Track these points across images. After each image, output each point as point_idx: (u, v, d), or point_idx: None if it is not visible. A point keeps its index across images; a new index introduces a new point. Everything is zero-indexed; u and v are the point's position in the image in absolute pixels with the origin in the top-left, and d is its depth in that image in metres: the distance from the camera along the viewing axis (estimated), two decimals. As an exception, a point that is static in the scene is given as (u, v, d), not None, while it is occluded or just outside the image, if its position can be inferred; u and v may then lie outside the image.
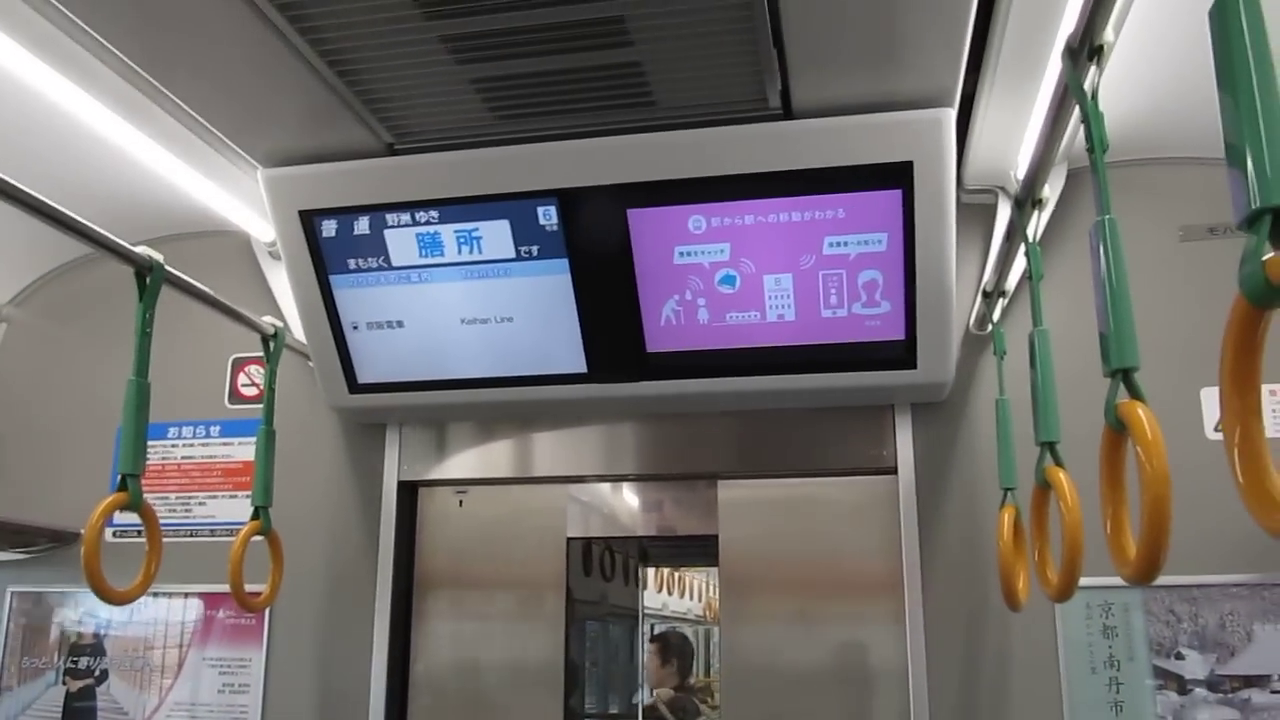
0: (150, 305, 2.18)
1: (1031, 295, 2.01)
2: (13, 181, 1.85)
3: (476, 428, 3.15)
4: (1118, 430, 1.36)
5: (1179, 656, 2.60)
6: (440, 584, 3.18)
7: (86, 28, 2.00)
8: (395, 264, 2.68)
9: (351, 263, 2.71)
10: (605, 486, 3.24)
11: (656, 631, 5.48)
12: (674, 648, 4.72)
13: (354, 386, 2.92)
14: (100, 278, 3.46)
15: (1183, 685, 2.58)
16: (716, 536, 3.01)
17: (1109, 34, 1.43)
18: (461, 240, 2.61)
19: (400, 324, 2.79)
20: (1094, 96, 1.48)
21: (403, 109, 2.32)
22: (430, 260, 2.66)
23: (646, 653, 4.66)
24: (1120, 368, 1.36)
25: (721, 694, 2.92)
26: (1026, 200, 2.03)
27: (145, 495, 2.13)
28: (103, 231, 2.09)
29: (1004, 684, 2.67)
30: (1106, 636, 2.63)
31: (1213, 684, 2.57)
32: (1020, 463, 2.32)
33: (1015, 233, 2.23)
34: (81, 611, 3.27)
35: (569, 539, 3.14)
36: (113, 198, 3.01)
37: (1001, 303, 2.67)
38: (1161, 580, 2.57)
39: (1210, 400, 2.65)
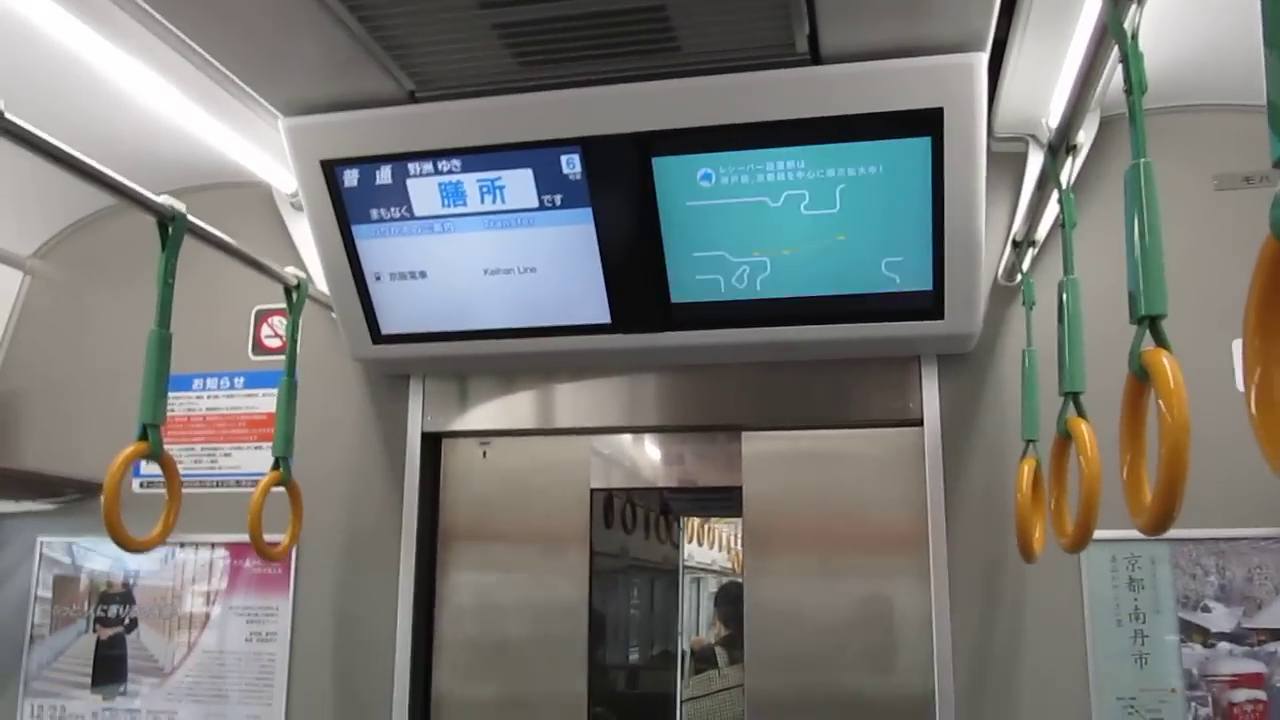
0: (172, 255, 2.18)
1: (1064, 243, 1.97)
2: (36, 131, 1.83)
3: (500, 379, 3.15)
4: (1141, 379, 1.35)
5: (1205, 609, 2.59)
6: (464, 535, 3.19)
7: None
8: (418, 214, 2.67)
9: (374, 213, 2.69)
10: (629, 438, 3.24)
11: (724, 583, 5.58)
12: (726, 598, 4.81)
13: (377, 337, 2.92)
14: (124, 229, 3.46)
15: (1208, 638, 2.57)
16: (740, 488, 3.00)
17: (1151, -30, 1.39)
18: (484, 189, 2.59)
19: (423, 274, 2.78)
20: (1134, 36, 1.44)
21: (425, 56, 2.29)
22: (453, 210, 2.64)
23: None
24: (1147, 315, 1.34)
25: (746, 645, 2.93)
26: (1060, 146, 2.00)
27: (170, 446, 2.14)
28: (125, 181, 2.08)
29: (1028, 636, 2.66)
30: (1132, 589, 2.62)
31: (1239, 637, 2.56)
32: (1046, 415, 2.30)
33: (1047, 180, 2.19)
34: (110, 561, 3.31)
35: (593, 490, 3.15)
36: (135, 149, 3.00)
37: (1031, 253, 2.63)
38: (1188, 533, 2.58)
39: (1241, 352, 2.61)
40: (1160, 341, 1.32)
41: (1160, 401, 1.23)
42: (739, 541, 3.03)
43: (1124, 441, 1.41)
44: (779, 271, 2.58)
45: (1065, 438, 1.84)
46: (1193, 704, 2.55)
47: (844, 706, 2.83)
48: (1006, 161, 2.75)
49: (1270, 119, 0.93)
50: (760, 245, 2.56)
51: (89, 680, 3.23)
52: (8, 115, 1.71)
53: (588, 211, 2.57)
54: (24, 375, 3.48)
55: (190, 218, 2.22)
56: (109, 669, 3.23)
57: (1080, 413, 1.80)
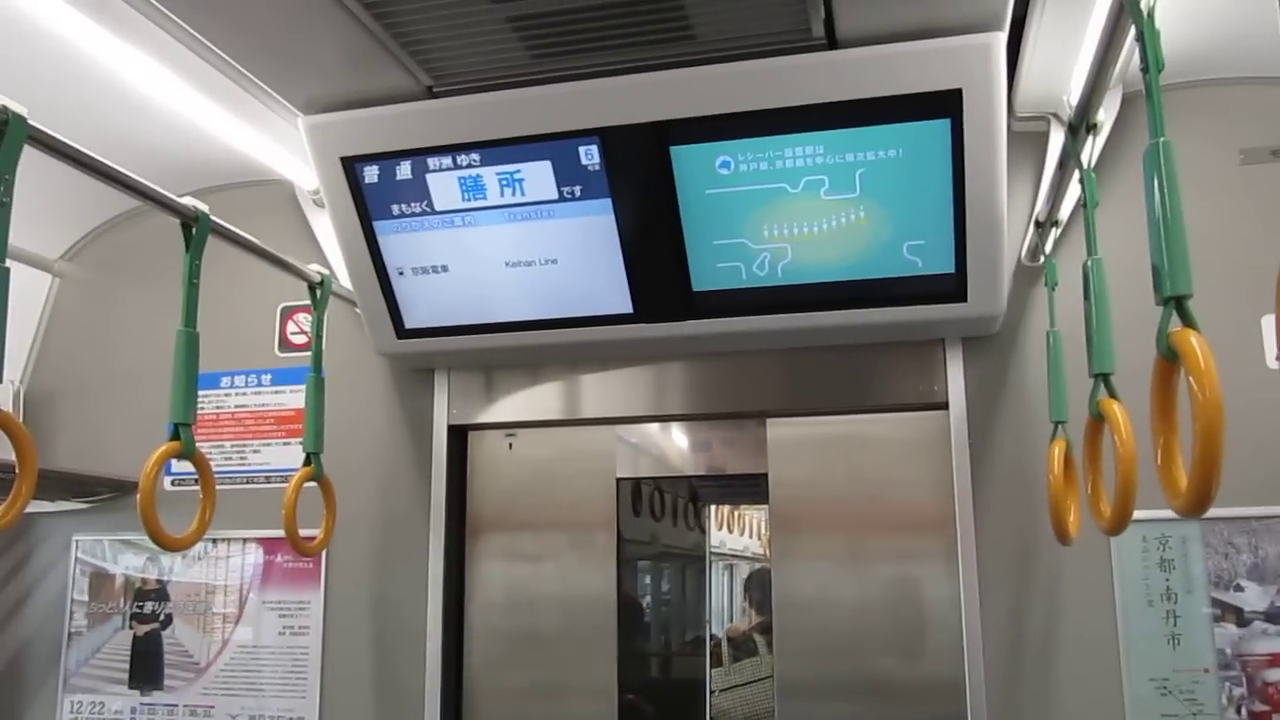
0: (197, 255, 2.20)
1: (1086, 223, 1.95)
2: (60, 137, 1.85)
3: (524, 371, 3.16)
4: (1170, 360, 1.33)
5: (1238, 589, 2.56)
6: (492, 526, 3.21)
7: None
8: (438, 208, 2.68)
9: (395, 208, 2.71)
10: (654, 427, 3.24)
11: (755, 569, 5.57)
12: (757, 585, 4.81)
13: (401, 332, 2.94)
14: (149, 230, 3.50)
15: (1241, 617, 2.55)
16: (766, 475, 3.00)
17: (1167, -53, 1.38)
18: (504, 182, 2.60)
19: (445, 268, 2.79)
20: (1150, 15, 1.42)
21: (440, 50, 2.30)
22: (473, 203, 2.65)
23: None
24: (1173, 295, 1.33)
25: (775, 630, 2.93)
26: (1080, 125, 1.97)
27: (200, 444, 2.16)
28: (148, 184, 2.11)
29: (1058, 618, 2.65)
30: (1163, 569, 2.60)
31: (1272, 615, 2.54)
32: (1072, 396, 2.29)
33: (1069, 160, 2.17)
34: (144, 558, 3.35)
35: (619, 479, 3.16)
36: (158, 151, 3.03)
37: (1054, 233, 2.61)
38: (1220, 512, 2.56)
39: (1271, 329, 2.59)
40: (1188, 322, 1.31)
41: (1192, 382, 1.22)
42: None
43: (1155, 423, 1.40)
44: (800, 257, 2.58)
45: (1098, 419, 1.83)
46: (1226, 684, 2.53)
47: (875, 691, 2.83)
48: (1028, 140, 2.73)
49: None
50: (781, 232, 2.55)
51: (126, 676, 3.29)
52: (32, 122, 1.73)
53: (607, 202, 2.58)
54: (55, 376, 3.53)
55: (213, 218, 2.24)
56: (146, 665, 3.28)
57: (1112, 393, 1.79)
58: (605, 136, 2.48)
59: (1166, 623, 2.58)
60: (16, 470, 1.72)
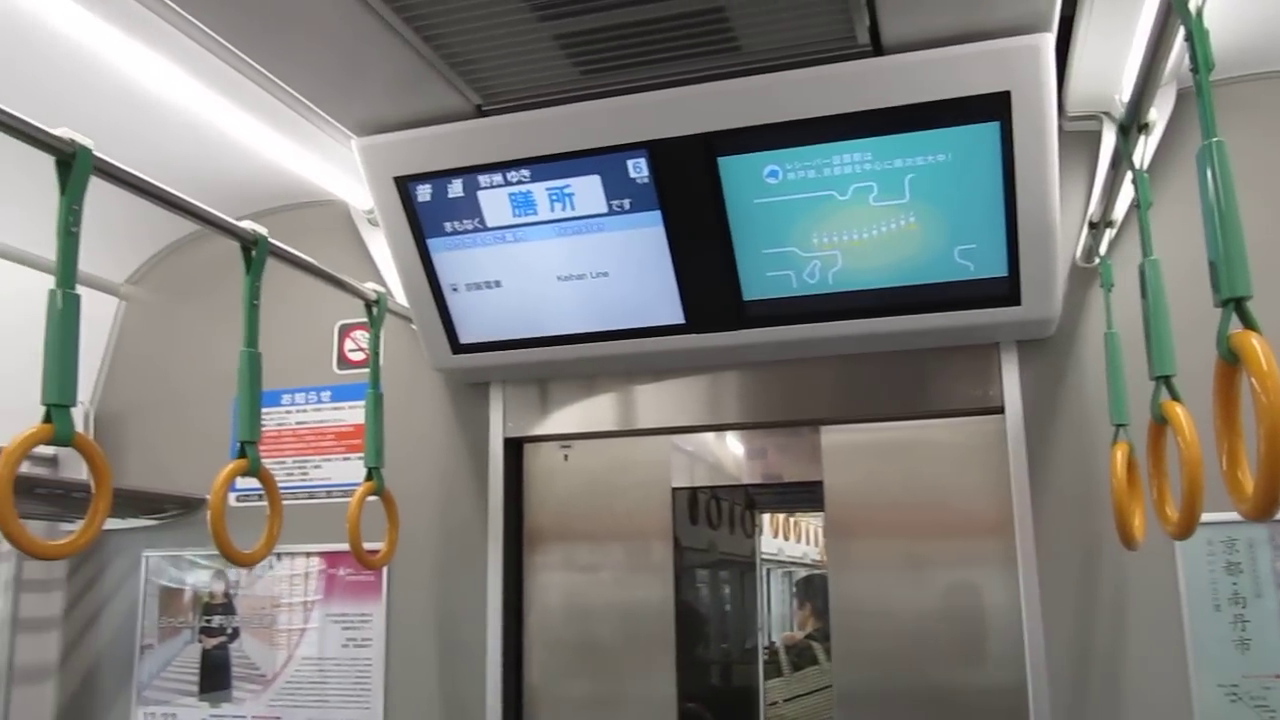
0: (256, 277, 2.25)
1: (1140, 224, 1.93)
2: (124, 167, 1.91)
3: (578, 383, 3.18)
4: (1231, 362, 1.32)
5: (1309, 591, 2.51)
6: (549, 537, 3.24)
7: (178, 8, 2.06)
8: (490, 225, 2.71)
9: (448, 225, 2.75)
10: (708, 436, 3.25)
11: (799, 577, 5.55)
12: (812, 592, 4.78)
13: (456, 347, 2.98)
14: (209, 253, 3.58)
15: (1314, 621, 2.49)
16: (822, 482, 3.00)
17: (1215, -54, 1.36)
18: (554, 197, 2.63)
19: (498, 284, 2.82)
20: (1199, 14, 1.41)
21: (489, 70, 2.34)
22: (524, 219, 2.68)
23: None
24: (1232, 297, 1.31)
25: (833, 638, 2.92)
26: (1132, 125, 1.95)
27: (263, 460, 2.20)
28: (209, 209, 2.16)
29: (1122, 623, 2.61)
30: (1230, 573, 2.55)
31: (1346, 619, 2.48)
32: (1130, 398, 2.26)
33: (1121, 160, 2.15)
34: (211, 573, 3.42)
35: (674, 489, 3.17)
36: (217, 175, 3.10)
37: (1109, 234, 2.57)
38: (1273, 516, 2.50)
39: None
40: (1248, 323, 1.30)
41: (1255, 385, 1.21)
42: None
43: (1219, 427, 1.38)
44: (851, 264, 2.57)
45: (1160, 422, 1.81)
46: (1299, 689, 2.48)
47: (936, 700, 2.80)
48: (1080, 140, 2.70)
49: None
50: (830, 239, 2.55)
51: (196, 688, 3.36)
52: (97, 154, 1.78)
53: (657, 214, 2.59)
54: (122, 397, 3.62)
55: (272, 240, 2.29)
56: (215, 677, 3.35)
57: (1174, 395, 1.77)
58: (653, 149, 2.50)
59: (1235, 627, 2.53)
60: (93, 490, 1.77)
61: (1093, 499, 2.65)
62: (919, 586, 2.86)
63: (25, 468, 1.58)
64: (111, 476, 1.79)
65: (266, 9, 2.06)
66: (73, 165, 1.74)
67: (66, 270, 1.71)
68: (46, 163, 1.74)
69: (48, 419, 1.65)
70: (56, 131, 1.73)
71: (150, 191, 2.01)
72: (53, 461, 3.42)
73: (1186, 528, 1.64)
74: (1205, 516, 1.62)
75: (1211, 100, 1.37)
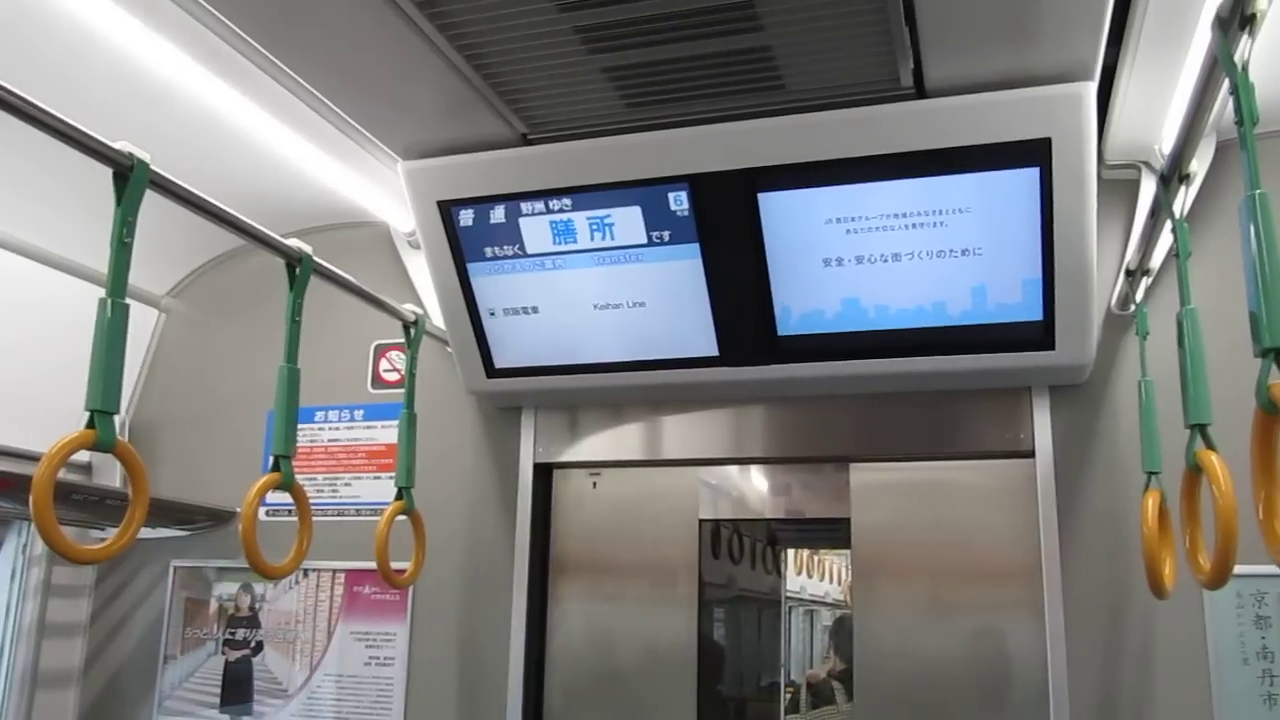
0: (300, 294, 2.28)
1: (1179, 274, 1.94)
2: (179, 182, 1.96)
3: (609, 411, 3.20)
4: (1270, 413, 1.32)
5: (1338, 649, 2.48)
6: (575, 564, 3.25)
7: (235, 28, 2.11)
8: (530, 251, 2.75)
9: (488, 251, 2.78)
10: (737, 469, 3.26)
11: (839, 615, 5.52)
12: (840, 631, 4.77)
13: (491, 371, 3.01)
14: (249, 269, 3.64)
15: (1343, 679, 2.47)
16: (849, 520, 3.00)
17: (1262, 1, 1.38)
18: (594, 227, 2.66)
19: (535, 310, 2.85)
20: (1244, 68, 1.42)
21: (537, 100, 2.38)
22: (564, 247, 2.72)
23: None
24: (1272, 347, 1.32)
25: (856, 679, 2.91)
26: (1173, 176, 1.96)
27: (295, 476, 2.23)
28: (256, 225, 2.21)
29: (1148, 674, 2.59)
30: (1259, 627, 2.53)
31: (1376, 678, 2.45)
32: (1163, 447, 2.25)
33: (1160, 209, 2.16)
34: (237, 586, 3.45)
35: (701, 521, 3.17)
36: (262, 192, 3.15)
37: (1145, 281, 2.58)
38: (1320, 569, 2.47)
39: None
40: None
41: None
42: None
43: (1257, 477, 1.38)
44: (886, 303, 2.59)
45: (1195, 470, 1.81)
46: (1326, 747, 2.45)
47: (957, 743, 2.78)
48: (1119, 188, 2.71)
49: None
50: (867, 277, 2.57)
51: (218, 700, 3.38)
52: (154, 168, 1.83)
53: (695, 247, 2.62)
54: (158, 408, 3.67)
55: (315, 258, 2.32)
56: (237, 690, 3.37)
57: (1209, 444, 1.77)
58: (695, 183, 2.53)
59: (1263, 682, 2.51)
60: (130, 497, 1.80)
61: (1121, 548, 2.63)
62: (944, 628, 2.85)
63: (60, 473, 1.61)
64: (149, 485, 1.82)
65: (321, 32, 2.11)
66: (130, 178, 1.78)
67: (118, 280, 1.75)
68: (89, 171, 1.77)
69: (90, 424, 1.68)
70: (116, 145, 1.77)
71: (203, 206, 2.06)
72: (86, 468, 3.47)
73: (1220, 578, 1.64)
74: (1236, 569, 1.62)
75: (1255, 153, 1.39)
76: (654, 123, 2.47)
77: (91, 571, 3.57)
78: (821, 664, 5.06)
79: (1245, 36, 1.42)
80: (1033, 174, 2.34)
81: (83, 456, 3.34)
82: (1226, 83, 1.47)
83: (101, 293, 1.74)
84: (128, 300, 1.76)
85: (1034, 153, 2.30)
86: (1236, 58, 1.43)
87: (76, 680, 3.51)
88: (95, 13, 2.13)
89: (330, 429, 3.46)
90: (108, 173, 1.78)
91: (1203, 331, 1.88)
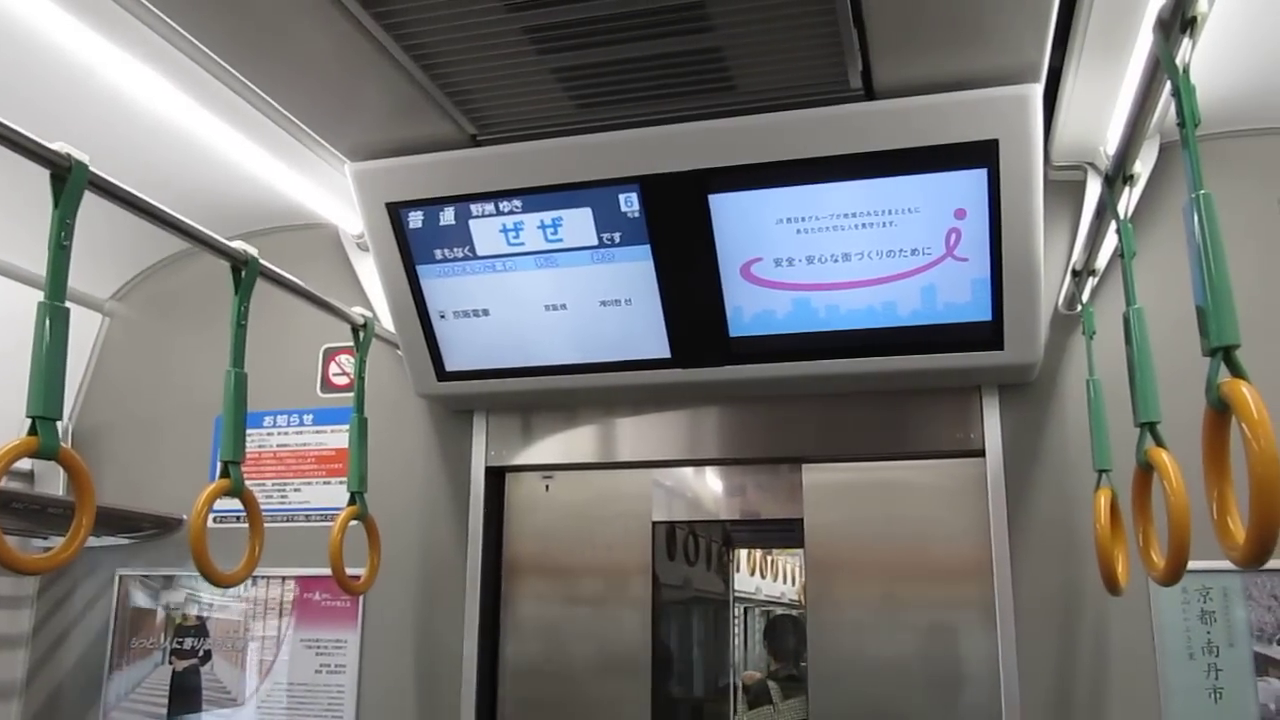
0: (246, 298, 2.25)
1: (1124, 274, 1.96)
2: (115, 181, 1.92)
3: (561, 413, 3.19)
4: (1220, 410, 1.34)
5: (1281, 642, 2.53)
6: (528, 568, 3.23)
7: (179, 28, 2.07)
8: (480, 253, 2.73)
9: (438, 253, 2.76)
10: (690, 471, 3.26)
11: (773, 616, 5.51)
12: (775, 632, 4.76)
13: (441, 374, 2.98)
14: (195, 272, 3.58)
15: (1285, 671, 2.51)
16: (802, 520, 3.00)
17: (1202, 4, 1.40)
18: (544, 229, 2.64)
19: (486, 312, 2.83)
20: (1186, 71, 1.44)
21: (486, 100, 2.35)
22: (514, 249, 2.70)
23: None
24: (1221, 345, 1.33)
25: (809, 679, 2.91)
26: (1117, 177, 1.99)
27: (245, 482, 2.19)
28: (200, 227, 2.17)
29: (1098, 669, 2.62)
30: (1205, 622, 2.57)
31: (1318, 670, 2.50)
32: (1111, 445, 2.28)
33: (1106, 210, 2.18)
34: (185, 594, 3.39)
35: (654, 523, 3.17)
36: (207, 194, 3.10)
37: (1091, 282, 2.61)
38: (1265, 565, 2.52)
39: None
40: (1237, 372, 1.32)
41: (1246, 433, 1.23)
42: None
43: (1209, 475, 1.39)
44: (836, 304, 2.60)
45: (1145, 468, 1.83)
46: (1270, 739, 2.49)
47: (910, 741, 2.80)
48: (1065, 189, 2.74)
49: None
50: (817, 278, 2.57)
51: (165, 711, 3.31)
52: (93, 169, 1.79)
53: (646, 249, 2.61)
54: (102, 413, 3.60)
55: (262, 261, 2.29)
56: (184, 700, 3.31)
57: (1159, 442, 1.79)
58: (645, 184, 2.52)
59: (1208, 676, 2.54)
60: (76, 505, 1.75)
61: (1071, 545, 2.67)
62: (897, 627, 2.87)
63: (2, 481, 1.57)
64: (94, 492, 1.78)
65: (265, 31, 2.07)
66: (67, 180, 1.74)
67: (57, 284, 1.71)
68: (32, 175, 1.73)
69: (32, 431, 1.64)
70: (53, 145, 1.73)
71: (143, 208, 2.01)
72: (28, 476, 3.39)
73: (1174, 573, 1.66)
74: (1184, 564, 1.64)
75: (1198, 155, 1.40)
76: (604, 124, 2.45)
77: (34, 582, 3.48)
78: (762, 664, 5.04)
79: (1186, 39, 1.43)
80: (980, 175, 2.36)
81: (25, 464, 3.27)
82: (1169, 85, 1.48)
83: (41, 296, 1.70)
84: (68, 304, 1.72)
85: (982, 154, 2.32)
86: (1178, 60, 1.44)
87: (19, 693, 3.43)
88: (37, 13, 2.08)
89: (279, 434, 3.42)
90: (47, 175, 1.74)
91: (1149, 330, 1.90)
